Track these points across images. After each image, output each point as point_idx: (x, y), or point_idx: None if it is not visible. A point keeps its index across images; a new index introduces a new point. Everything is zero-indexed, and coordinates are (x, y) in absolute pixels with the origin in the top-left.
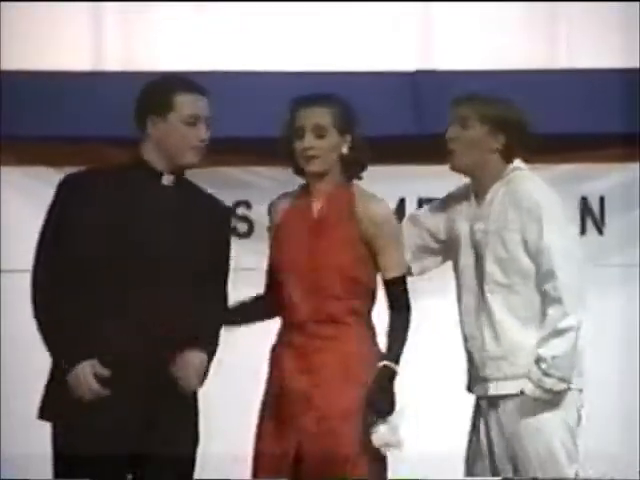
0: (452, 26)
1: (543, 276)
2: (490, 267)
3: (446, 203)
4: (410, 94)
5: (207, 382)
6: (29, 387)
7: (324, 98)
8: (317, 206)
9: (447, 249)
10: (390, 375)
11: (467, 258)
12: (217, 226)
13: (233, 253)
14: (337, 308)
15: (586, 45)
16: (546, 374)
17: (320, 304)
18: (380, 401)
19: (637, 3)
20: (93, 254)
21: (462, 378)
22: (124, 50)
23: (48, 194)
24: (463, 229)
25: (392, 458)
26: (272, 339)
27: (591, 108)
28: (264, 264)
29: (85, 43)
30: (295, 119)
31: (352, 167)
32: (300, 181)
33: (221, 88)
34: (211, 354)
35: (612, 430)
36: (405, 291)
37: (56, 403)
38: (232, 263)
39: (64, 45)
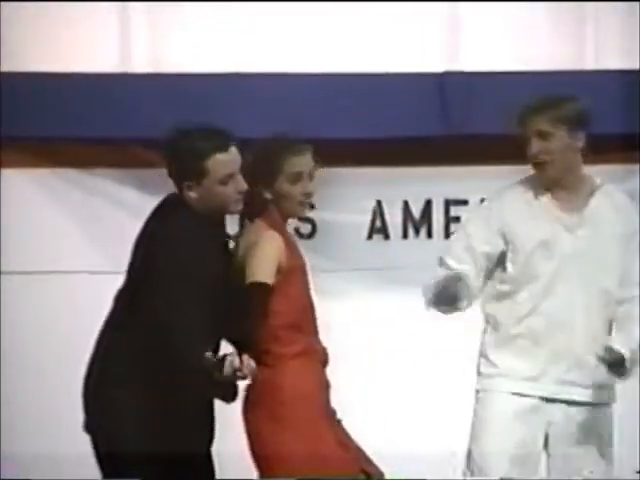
0: (479, 27)
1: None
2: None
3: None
4: (438, 95)
5: None
6: (29, 387)
7: (305, 144)
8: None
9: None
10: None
11: (565, 265)
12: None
13: None
14: None
15: (614, 45)
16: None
17: None
18: None
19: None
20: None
21: (462, 378)
22: (151, 51)
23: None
24: (558, 236)
25: (392, 458)
26: None
27: (620, 109)
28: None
29: (112, 44)
30: (287, 164)
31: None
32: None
33: (243, 90)
34: None
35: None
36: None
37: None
38: None
39: (91, 46)
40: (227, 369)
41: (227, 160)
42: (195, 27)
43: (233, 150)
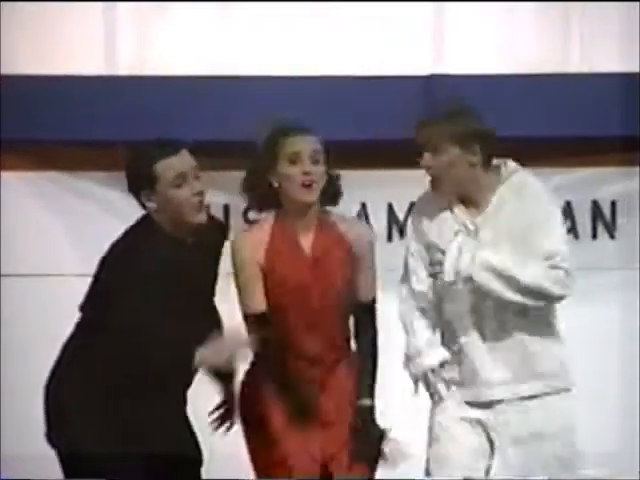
0: (465, 29)
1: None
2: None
3: (424, 221)
4: (424, 98)
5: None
6: (29, 389)
7: (306, 128)
8: (307, 244)
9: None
10: (368, 411)
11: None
12: (217, 253)
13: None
14: (339, 334)
15: (600, 46)
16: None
17: (325, 336)
18: (364, 447)
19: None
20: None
21: None
22: (136, 54)
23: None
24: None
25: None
26: None
27: (607, 111)
28: None
29: (98, 47)
30: (286, 145)
31: (331, 197)
32: None
33: (231, 92)
34: None
35: (612, 430)
36: (375, 316)
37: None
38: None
39: (77, 48)
40: None
41: (175, 162)
42: (180, 30)
43: (183, 152)
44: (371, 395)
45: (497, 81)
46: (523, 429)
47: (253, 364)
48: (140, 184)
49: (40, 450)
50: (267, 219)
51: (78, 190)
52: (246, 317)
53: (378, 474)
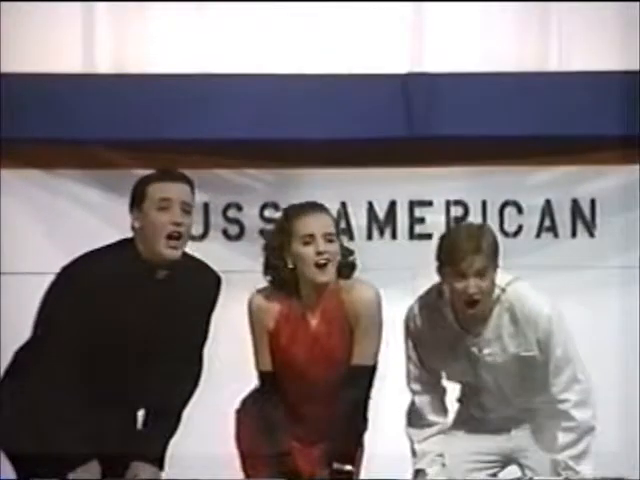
0: (443, 28)
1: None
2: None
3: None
4: (401, 96)
5: None
6: None
7: (319, 205)
8: (313, 319)
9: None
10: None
11: (488, 377)
12: (203, 302)
13: (225, 256)
14: (335, 399)
15: (578, 47)
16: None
17: (322, 402)
18: None
19: (631, 4)
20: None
21: None
22: (116, 52)
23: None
24: (468, 359)
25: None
26: None
27: (586, 110)
28: (255, 266)
29: (76, 45)
30: (299, 226)
31: (345, 272)
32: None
33: (213, 90)
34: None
35: (612, 430)
36: (372, 383)
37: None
38: (224, 266)
39: (55, 47)
40: None
41: (167, 187)
42: (158, 28)
43: (182, 185)
44: (348, 460)
45: (474, 79)
46: None
47: (250, 395)
48: (133, 202)
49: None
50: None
51: (54, 188)
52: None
53: (375, 475)
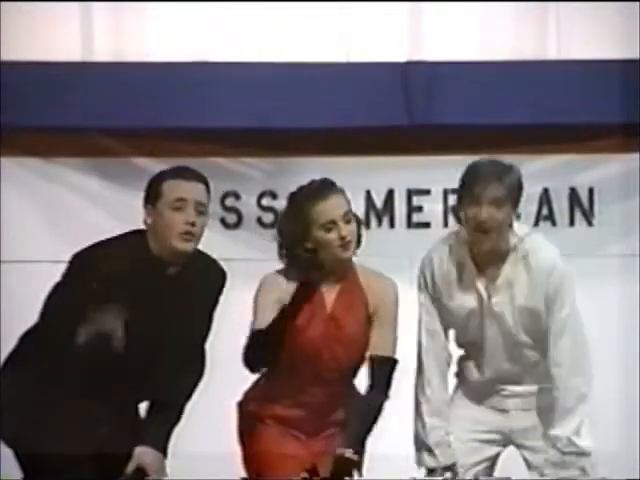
0: (442, 17)
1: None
2: (523, 338)
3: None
4: (400, 85)
5: None
6: None
7: (331, 184)
8: (329, 298)
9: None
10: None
11: (490, 329)
12: (209, 297)
13: (223, 244)
14: (344, 390)
15: (576, 36)
16: (564, 453)
17: (332, 390)
18: None
19: None
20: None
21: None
22: (114, 40)
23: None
24: (477, 303)
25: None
26: None
27: (584, 99)
28: (253, 254)
29: (74, 33)
30: (319, 211)
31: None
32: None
33: (210, 79)
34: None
35: (612, 430)
36: (391, 376)
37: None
38: (222, 254)
39: (54, 35)
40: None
41: (182, 186)
42: (156, 16)
43: (197, 185)
44: (355, 448)
45: (474, 68)
46: None
47: (254, 385)
48: (147, 198)
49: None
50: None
51: (53, 176)
52: (253, 335)
53: (376, 474)
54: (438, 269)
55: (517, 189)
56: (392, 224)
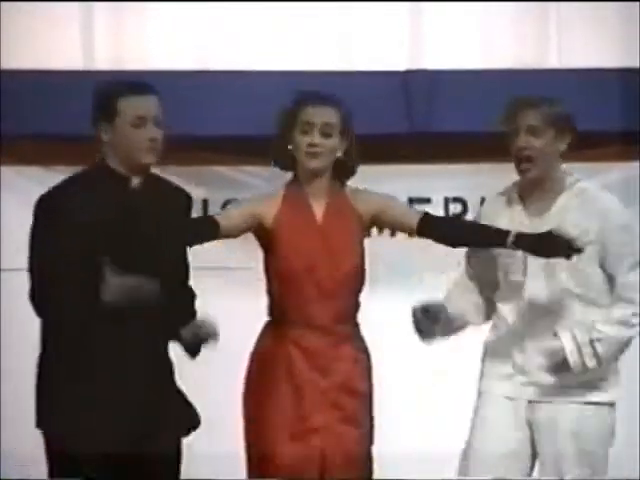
0: (442, 24)
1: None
2: (564, 277)
3: (489, 214)
4: (401, 93)
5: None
6: (29, 386)
7: (332, 98)
8: (318, 211)
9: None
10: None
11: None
12: (177, 215)
13: (222, 252)
14: (350, 307)
15: (576, 44)
16: (592, 344)
17: (337, 306)
18: None
19: (629, 3)
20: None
21: (462, 380)
22: (114, 49)
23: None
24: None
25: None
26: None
27: (585, 107)
28: (253, 263)
29: (75, 41)
30: (302, 114)
31: (343, 171)
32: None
33: (210, 87)
34: None
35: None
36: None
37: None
38: (221, 263)
39: (54, 43)
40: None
41: (140, 103)
42: (157, 24)
43: (151, 98)
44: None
45: (474, 76)
46: None
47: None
48: (101, 115)
49: (40, 450)
50: (279, 190)
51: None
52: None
53: (377, 474)
54: (489, 206)
55: (559, 120)
56: (393, 232)
